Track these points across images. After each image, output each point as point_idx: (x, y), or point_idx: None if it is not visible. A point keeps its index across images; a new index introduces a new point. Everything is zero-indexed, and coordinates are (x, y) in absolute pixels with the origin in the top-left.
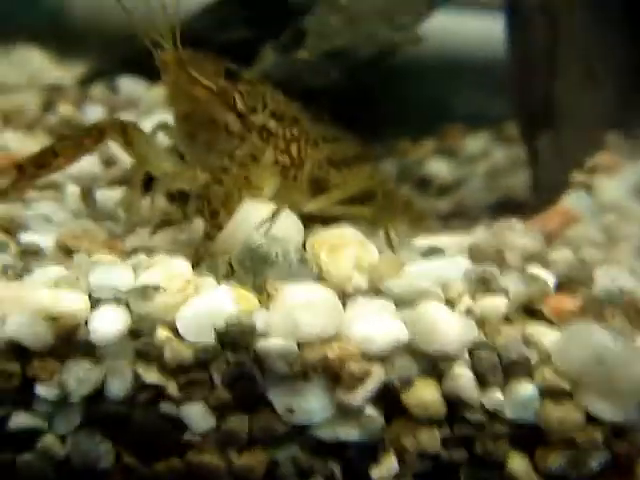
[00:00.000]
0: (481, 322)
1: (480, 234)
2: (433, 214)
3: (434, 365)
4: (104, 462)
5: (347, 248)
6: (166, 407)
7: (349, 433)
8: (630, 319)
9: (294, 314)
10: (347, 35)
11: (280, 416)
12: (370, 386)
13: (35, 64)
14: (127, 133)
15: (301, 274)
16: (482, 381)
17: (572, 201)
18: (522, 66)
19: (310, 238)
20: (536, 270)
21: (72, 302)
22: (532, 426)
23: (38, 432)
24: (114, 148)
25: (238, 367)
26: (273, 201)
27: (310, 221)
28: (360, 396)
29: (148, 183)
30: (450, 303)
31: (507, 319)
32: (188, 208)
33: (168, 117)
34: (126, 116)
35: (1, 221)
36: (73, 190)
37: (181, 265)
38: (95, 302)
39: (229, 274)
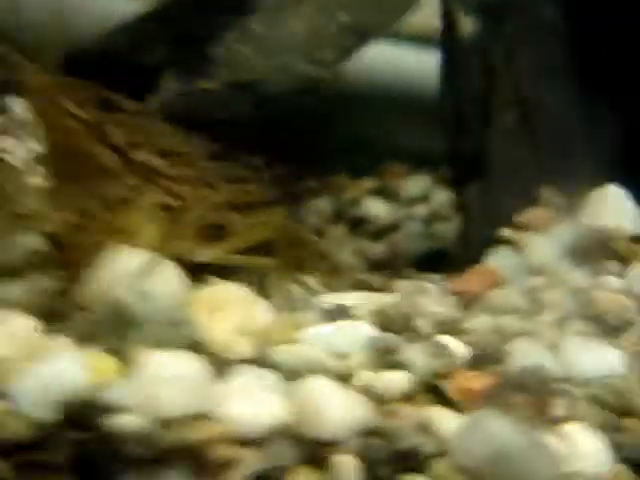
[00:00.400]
0: (380, 400)
1: (395, 294)
2: (352, 268)
3: (316, 452)
4: None
5: (231, 308)
6: None
7: None
8: (539, 407)
9: (156, 388)
10: (258, 66)
11: None
12: (240, 475)
13: None
14: None
15: (173, 339)
16: (370, 473)
17: (498, 259)
18: (454, 111)
19: (194, 294)
20: (447, 340)
21: None
22: None
23: None
24: None
25: (82, 448)
26: (152, 249)
27: (205, 273)
28: None
29: None
30: (344, 377)
31: (408, 398)
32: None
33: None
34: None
35: None
36: None
37: (26, 324)
38: None
39: (88, 336)
